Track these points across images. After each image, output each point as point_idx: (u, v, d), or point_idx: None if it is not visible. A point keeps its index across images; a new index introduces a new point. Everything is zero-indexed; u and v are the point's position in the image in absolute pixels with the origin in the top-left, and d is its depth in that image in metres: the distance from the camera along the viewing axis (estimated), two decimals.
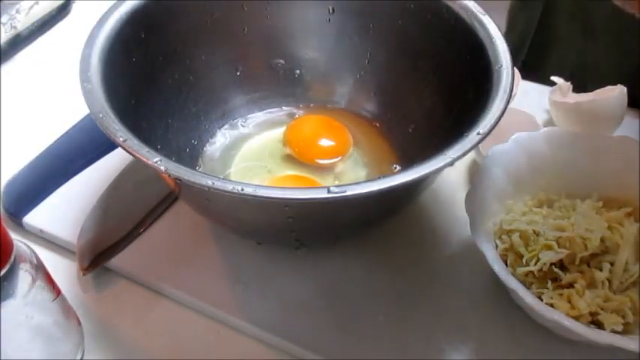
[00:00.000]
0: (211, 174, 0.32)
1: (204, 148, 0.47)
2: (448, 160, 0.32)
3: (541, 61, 0.63)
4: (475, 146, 0.33)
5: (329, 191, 0.31)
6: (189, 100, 0.46)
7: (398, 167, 0.46)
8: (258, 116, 0.50)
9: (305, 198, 0.31)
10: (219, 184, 0.31)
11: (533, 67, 0.58)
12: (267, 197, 0.31)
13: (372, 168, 0.47)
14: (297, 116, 0.50)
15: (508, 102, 0.36)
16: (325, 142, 0.48)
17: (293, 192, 0.31)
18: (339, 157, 0.47)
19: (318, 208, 0.34)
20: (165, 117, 0.44)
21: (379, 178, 0.31)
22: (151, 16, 0.42)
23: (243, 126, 0.49)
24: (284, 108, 0.51)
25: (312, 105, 0.51)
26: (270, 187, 0.31)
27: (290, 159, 0.47)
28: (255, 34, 0.48)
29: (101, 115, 0.34)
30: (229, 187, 0.31)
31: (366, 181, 0.32)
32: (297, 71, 0.50)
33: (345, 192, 0.31)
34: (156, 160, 0.32)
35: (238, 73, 0.49)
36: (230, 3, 0.46)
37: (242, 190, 0.30)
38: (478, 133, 0.34)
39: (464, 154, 0.33)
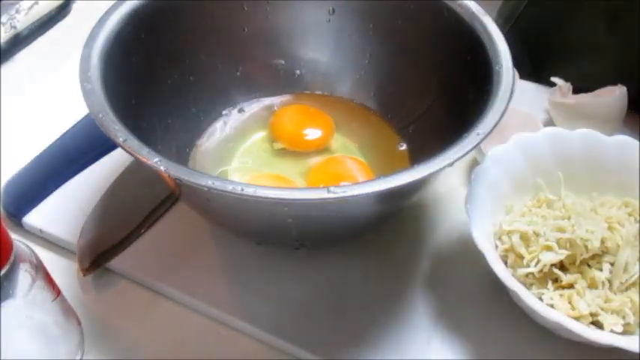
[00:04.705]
0: (211, 174, 0.32)
1: (206, 148, 0.47)
2: (448, 161, 0.32)
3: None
4: (475, 147, 0.33)
5: (329, 191, 0.31)
6: (190, 100, 0.46)
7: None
8: (259, 115, 0.50)
9: (304, 199, 0.31)
10: (218, 185, 0.31)
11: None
12: (266, 198, 0.31)
13: (372, 167, 0.47)
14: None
15: (509, 102, 0.36)
16: (311, 126, 0.49)
17: (292, 192, 0.31)
18: (332, 137, 0.48)
19: (318, 209, 0.34)
20: (166, 117, 0.44)
21: (378, 178, 0.31)
22: (151, 16, 0.42)
23: (243, 125, 0.49)
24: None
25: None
26: (269, 187, 0.31)
27: (283, 153, 0.47)
28: (255, 34, 0.48)
29: (101, 115, 0.34)
30: (229, 187, 0.30)
31: (365, 182, 0.32)
32: (297, 71, 0.50)
33: (344, 192, 0.31)
34: (156, 160, 0.32)
35: (238, 73, 0.49)
36: (230, 3, 0.46)
37: (242, 190, 0.30)
38: (478, 134, 0.34)
39: (464, 155, 0.33)
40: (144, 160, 0.32)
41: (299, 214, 0.35)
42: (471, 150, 0.33)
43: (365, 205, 0.35)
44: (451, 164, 0.32)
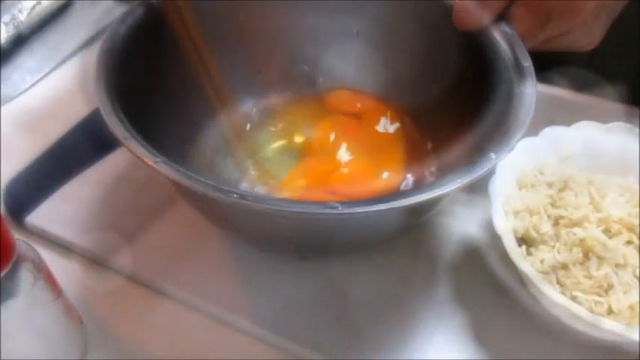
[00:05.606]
0: (212, 170, 0.31)
1: (208, 146, 0.47)
2: (459, 184, 0.31)
3: None
4: (490, 169, 0.32)
5: (326, 206, 0.29)
6: (192, 97, 0.46)
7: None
8: (261, 113, 0.50)
9: (299, 211, 0.30)
10: (214, 192, 0.30)
11: None
12: (258, 207, 0.30)
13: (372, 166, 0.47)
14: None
15: (513, 106, 0.35)
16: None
17: (288, 204, 0.31)
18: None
19: (316, 223, 0.33)
20: (168, 114, 0.43)
21: (385, 195, 0.30)
22: (152, 15, 0.42)
23: (244, 123, 0.49)
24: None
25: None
26: (265, 196, 0.30)
27: (283, 151, 0.48)
28: (254, 34, 0.48)
29: (104, 116, 0.34)
30: (224, 194, 0.30)
31: (369, 199, 0.30)
32: (298, 71, 0.50)
33: (338, 208, 0.29)
34: (157, 160, 0.32)
35: (246, 77, 0.49)
36: (238, 4, 0.46)
37: (237, 197, 0.30)
38: (493, 156, 0.33)
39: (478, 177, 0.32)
40: (145, 160, 0.32)
41: (298, 226, 0.34)
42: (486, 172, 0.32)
43: (367, 225, 0.34)
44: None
